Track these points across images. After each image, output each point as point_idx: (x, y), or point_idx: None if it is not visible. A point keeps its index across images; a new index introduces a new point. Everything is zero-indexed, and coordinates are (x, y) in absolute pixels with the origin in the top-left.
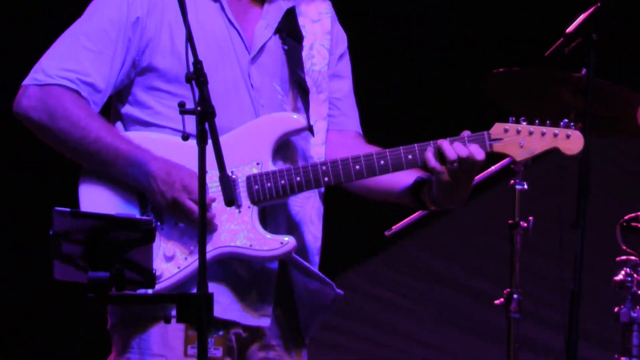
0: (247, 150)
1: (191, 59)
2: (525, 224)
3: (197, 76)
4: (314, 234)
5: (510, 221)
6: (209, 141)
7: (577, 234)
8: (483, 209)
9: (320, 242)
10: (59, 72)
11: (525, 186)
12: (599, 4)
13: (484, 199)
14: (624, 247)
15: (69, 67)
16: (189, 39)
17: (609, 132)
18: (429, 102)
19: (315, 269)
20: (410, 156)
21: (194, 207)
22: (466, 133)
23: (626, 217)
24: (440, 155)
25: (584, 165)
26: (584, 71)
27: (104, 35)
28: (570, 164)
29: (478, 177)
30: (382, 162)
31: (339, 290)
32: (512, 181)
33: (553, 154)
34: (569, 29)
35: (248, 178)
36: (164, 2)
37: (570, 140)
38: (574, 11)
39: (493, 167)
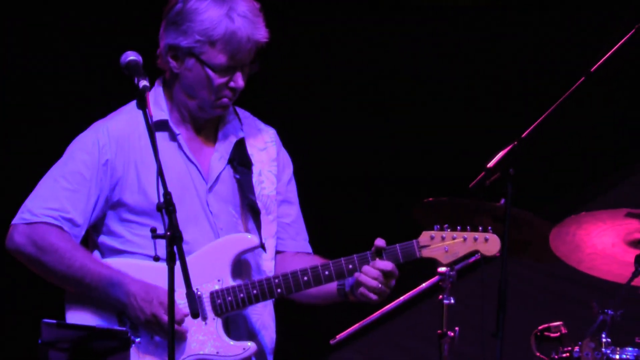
0: (210, 269)
1: (161, 191)
2: (452, 333)
3: (166, 205)
4: (270, 336)
5: (439, 331)
6: (177, 262)
7: (497, 342)
8: (416, 320)
9: (274, 343)
10: (43, 211)
11: (452, 300)
12: (515, 142)
13: (417, 312)
14: (538, 354)
15: (52, 206)
16: (160, 173)
17: (523, 255)
18: (369, 223)
19: None
20: (350, 266)
21: None
22: (380, 242)
23: (539, 328)
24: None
25: (503, 283)
26: (502, 201)
27: (79, 176)
28: (491, 282)
29: (411, 293)
30: (326, 272)
31: None
32: (440, 296)
33: (476, 272)
34: (490, 164)
35: (211, 294)
36: (130, 145)
37: (488, 243)
38: (495, 148)
39: (424, 284)
